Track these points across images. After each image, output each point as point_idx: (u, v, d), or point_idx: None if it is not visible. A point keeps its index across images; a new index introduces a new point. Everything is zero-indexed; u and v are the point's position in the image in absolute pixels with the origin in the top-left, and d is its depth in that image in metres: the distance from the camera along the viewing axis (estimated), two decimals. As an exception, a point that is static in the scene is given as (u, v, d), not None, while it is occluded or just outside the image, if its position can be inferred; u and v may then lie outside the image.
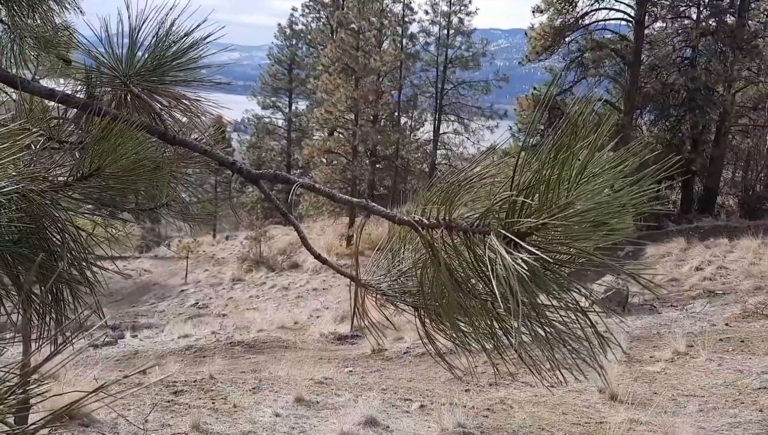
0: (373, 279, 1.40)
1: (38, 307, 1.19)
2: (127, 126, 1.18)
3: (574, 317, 0.92)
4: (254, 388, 7.89)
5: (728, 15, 23.48)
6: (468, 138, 33.30)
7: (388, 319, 1.42)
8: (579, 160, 0.83)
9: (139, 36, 1.47)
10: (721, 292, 13.40)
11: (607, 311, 0.96)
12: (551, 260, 0.82)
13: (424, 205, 1.05)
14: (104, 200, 1.32)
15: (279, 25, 40.36)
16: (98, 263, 1.52)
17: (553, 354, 0.95)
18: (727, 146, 25.14)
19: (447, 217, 0.95)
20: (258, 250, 24.98)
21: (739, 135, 26.16)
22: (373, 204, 1.14)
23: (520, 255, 0.80)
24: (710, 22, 23.84)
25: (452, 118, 33.63)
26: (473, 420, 6.56)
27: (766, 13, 25.60)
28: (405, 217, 1.04)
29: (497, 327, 1.15)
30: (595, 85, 24.37)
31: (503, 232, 0.86)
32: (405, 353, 10.61)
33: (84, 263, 1.20)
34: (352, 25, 27.24)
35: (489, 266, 0.86)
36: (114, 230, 1.63)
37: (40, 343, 1.09)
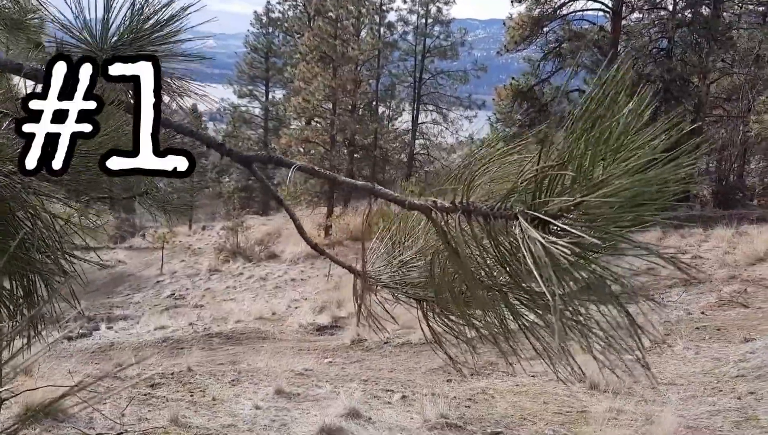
0: (372, 270, 1.31)
1: (7, 300, 1.08)
2: (103, 104, 1.07)
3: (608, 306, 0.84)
4: (233, 380, 7.77)
5: (703, 6, 23.68)
6: (446, 128, 33.26)
7: (388, 313, 1.33)
8: (614, 132, 0.75)
9: (113, 5, 1.35)
10: (696, 281, 13.54)
11: (635, 300, 0.88)
12: (599, 243, 0.73)
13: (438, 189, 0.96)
14: (80, 185, 1.21)
15: (255, 12, 39.88)
16: (74, 253, 1.41)
17: (590, 346, 0.87)
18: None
19: (465, 201, 0.86)
20: (235, 240, 24.72)
21: (713, 125, 26.45)
22: (380, 187, 1.05)
23: (559, 240, 0.72)
24: (686, 14, 24.03)
25: (431, 108, 33.55)
26: (455, 410, 6.52)
27: (740, 4, 25.85)
28: (416, 202, 0.95)
29: (511, 318, 1.07)
30: (573, 76, 24.48)
31: (532, 213, 0.78)
32: (385, 344, 10.55)
33: (59, 252, 1.09)
34: (330, 13, 26.99)
35: (515, 254, 0.78)
36: (89, 219, 1.52)
37: (12, 335, 0.99)
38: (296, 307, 15.49)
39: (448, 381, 8.05)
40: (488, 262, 0.87)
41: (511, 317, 1.04)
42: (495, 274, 0.90)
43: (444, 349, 1.33)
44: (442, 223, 0.91)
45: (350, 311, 13.48)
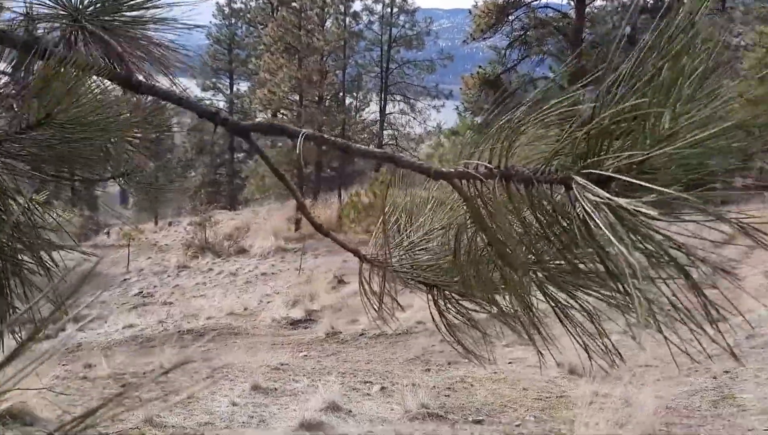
0: (379, 253, 1.20)
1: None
2: (82, 69, 0.94)
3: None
4: (208, 378, 7.62)
5: (665, -8, 23.91)
6: (414, 118, 33.17)
7: (396, 301, 1.23)
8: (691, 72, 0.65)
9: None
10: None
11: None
12: (687, 201, 0.64)
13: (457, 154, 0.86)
14: (48, 162, 1.08)
15: (217, 3, 39.18)
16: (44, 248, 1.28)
17: (659, 326, 0.78)
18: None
19: (504, 165, 0.75)
20: (203, 235, 24.31)
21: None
22: (401, 154, 0.94)
23: (633, 201, 0.62)
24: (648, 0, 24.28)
25: (398, 98, 33.43)
26: (435, 400, 6.47)
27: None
28: (443, 169, 0.85)
29: (542, 299, 0.97)
30: (539, 63, 24.59)
31: (590, 172, 0.68)
32: (360, 335, 10.46)
33: (34, 241, 0.97)
34: (294, 3, 26.65)
35: (563, 223, 0.69)
36: (54, 215, 1.39)
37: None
38: (268, 302, 15.30)
39: (426, 371, 8.00)
40: (531, 234, 0.77)
41: (546, 298, 0.94)
42: (536, 248, 0.80)
43: (458, 338, 1.23)
44: (473, 192, 0.81)
45: (323, 304, 13.36)
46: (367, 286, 1.19)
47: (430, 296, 1.25)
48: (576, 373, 7.24)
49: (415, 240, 1.20)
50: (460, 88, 26.58)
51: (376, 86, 33.22)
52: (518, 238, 0.81)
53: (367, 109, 33.58)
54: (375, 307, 1.27)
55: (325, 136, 0.98)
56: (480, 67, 25.70)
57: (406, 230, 1.25)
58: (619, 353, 1.01)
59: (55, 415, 5.75)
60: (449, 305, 1.23)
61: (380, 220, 1.13)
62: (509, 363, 7.95)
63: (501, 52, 25.43)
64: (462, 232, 0.91)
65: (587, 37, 24.54)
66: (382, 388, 7.13)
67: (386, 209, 1.26)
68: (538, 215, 0.75)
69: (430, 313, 1.28)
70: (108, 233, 30.97)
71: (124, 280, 22.60)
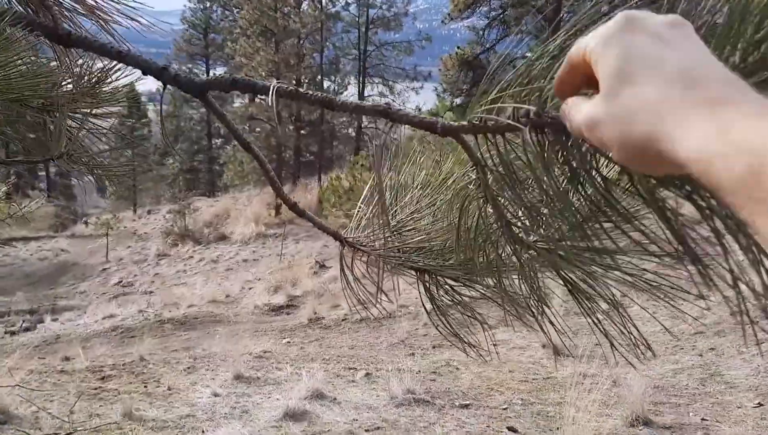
0: (362, 236, 1.07)
1: None
2: None
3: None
4: (189, 368, 7.46)
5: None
6: (393, 100, 32.87)
7: (382, 291, 1.10)
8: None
9: None
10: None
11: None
12: None
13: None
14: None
15: (191, -13, 38.48)
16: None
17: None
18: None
19: (535, 112, 0.61)
20: (183, 223, 24.01)
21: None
22: (399, 107, 0.79)
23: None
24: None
25: (377, 81, 33.18)
26: (421, 385, 6.37)
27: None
28: (453, 123, 0.70)
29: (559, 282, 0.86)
30: (518, 43, 24.44)
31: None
32: (343, 320, 10.34)
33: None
34: (270, -15, 26.22)
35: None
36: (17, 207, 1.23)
37: None
38: (250, 288, 15.13)
39: (410, 355, 7.91)
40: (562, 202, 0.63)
41: (566, 283, 0.82)
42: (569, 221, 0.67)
43: (454, 330, 1.10)
44: (485, 151, 0.67)
45: (305, 290, 13.21)
46: (348, 273, 1.06)
47: (420, 283, 1.12)
48: (561, 353, 7.19)
49: (404, 218, 1.06)
50: (439, 70, 26.38)
51: (354, 69, 32.95)
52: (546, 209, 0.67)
53: (345, 92, 33.29)
54: (358, 297, 1.14)
55: (301, 90, 0.83)
56: (458, 47, 25.49)
57: (391, 208, 1.12)
58: (648, 345, 0.89)
59: (30, 412, 5.57)
60: (441, 292, 1.10)
61: (361, 197, 0.99)
62: (494, 345, 7.88)
63: (479, 32, 25.23)
64: (467, 204, 0.77)
65: (566, 16, 24.42)
66: (367, 374, 7.03)
67: (370, 187, 1.12)
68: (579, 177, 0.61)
69: (422, 302, 1.15)
70: (86, 223, 30.51)
71: (104, 269, 22.28)
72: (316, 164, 30.02)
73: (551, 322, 1.17)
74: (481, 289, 0.95)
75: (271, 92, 0.78)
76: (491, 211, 0.76)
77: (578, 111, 0.55)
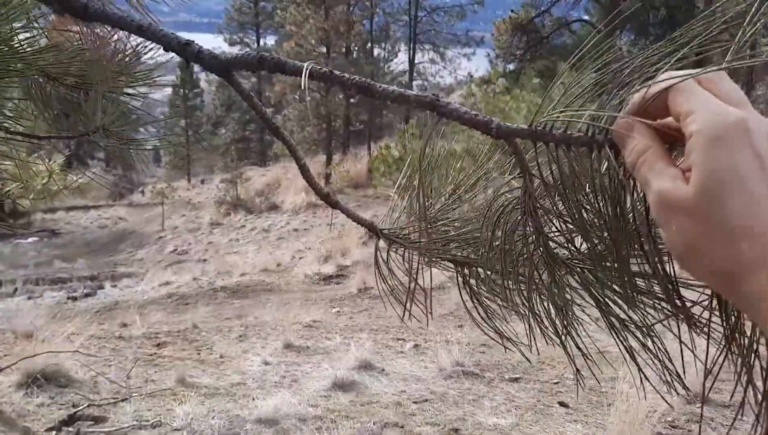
0: (396, 227, 0.99)
1: None
2: None
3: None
4: (240, 336, 7.58)
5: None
6: (444, 67, 32.45)
7: (417, 283, 1.03)
8: None
9: None
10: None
11: None
12: None
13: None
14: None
15: (241, -44, 38.47)
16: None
17: None
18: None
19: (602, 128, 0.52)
20: (235, 192, 24.40)
21: (721, 53, 25.70)
22: (447, 101, 0.69)
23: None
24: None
25: (427, 47, 32.66)
26: (470, 357, 6.31)
27: None
28: (511, 125, 0.61)
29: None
30: (574, 6, 23.66)
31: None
32: (392, 290, 10.34)
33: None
34: (319, -48, 25.95)
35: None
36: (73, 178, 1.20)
37: None
38: (300, 258, 15.29)
39: (459, 326, 7.85)
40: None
41: (599, 307, 0.75)
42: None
43: (494, 325, 1.02)
44: (533, 159, 0.58)
45: (355, 259, 13.27)
46: (385, 269, 0.98)
47: (459, 278, 1.04)
48: (614, 327, 7.02)
49: (441, 207, 0.98)
50: (492, 35, 25.78)
51: (404, 35, 32.49)
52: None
53: (395, 60, 32.95)
54: (395, 295, 1.07)
55: (336, 72, 0.75)
56: (512, 11, 24.83)
57: (428, 200, 1.03)
58: (682, 379, 0.81)
59: (89, 377, 5.75)
60: (481, 288, 1.01)
61: (396, 185, 0.92)
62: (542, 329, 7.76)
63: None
64: (505, 216, 0.69)
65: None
66: (416, 345, 7.01)
67: (404, 174, 1.04)
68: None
69: (461, 296, 1.08)
70: (142, 192, 31.34)
71: (160, 237, 22.89)
72: (365, 133, 29.92)
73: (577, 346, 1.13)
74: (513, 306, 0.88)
75: (304, 75, 0.70)
76: (529, 223, 0.68)
77: (658, 179, 0.52)
